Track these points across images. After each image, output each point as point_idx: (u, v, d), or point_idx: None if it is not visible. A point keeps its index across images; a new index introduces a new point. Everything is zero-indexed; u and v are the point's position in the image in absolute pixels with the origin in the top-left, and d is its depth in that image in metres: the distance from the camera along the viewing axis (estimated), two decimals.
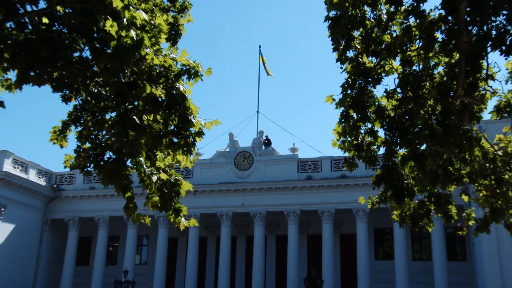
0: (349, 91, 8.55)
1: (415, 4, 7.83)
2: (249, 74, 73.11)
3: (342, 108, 8.74)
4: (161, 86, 6.90)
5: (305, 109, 73.05)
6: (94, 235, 35.72)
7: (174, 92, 6.92)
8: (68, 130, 7.66)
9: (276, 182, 31.49)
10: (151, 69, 6.77)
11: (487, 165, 9.57)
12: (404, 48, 8.39)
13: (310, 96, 72.51)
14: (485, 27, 7.50)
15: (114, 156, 7.22)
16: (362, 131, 9.12)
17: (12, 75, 6.81)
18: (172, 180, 7.83)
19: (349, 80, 8.55)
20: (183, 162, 7.98)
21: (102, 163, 7.32)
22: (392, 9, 8.15)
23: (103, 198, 33.97)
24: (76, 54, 6.57)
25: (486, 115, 15.72)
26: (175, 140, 7.28)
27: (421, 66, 8.65)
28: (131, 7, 6.10)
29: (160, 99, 6.82)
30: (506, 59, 7.46)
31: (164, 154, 7.83)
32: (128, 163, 7.45)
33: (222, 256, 31.19)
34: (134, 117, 6.73)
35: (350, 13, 8.10)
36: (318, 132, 71.67)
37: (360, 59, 8.49)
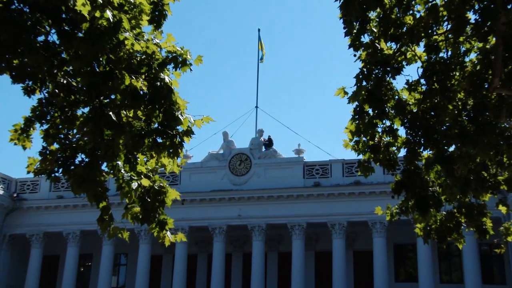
0: (364, 83, 8.61)
1: None
2: (246, 64, 73.29)
3: (356, 103, 8.81)
4: (143, 76, 6.94)
5: (312, 104, 73.25)
6: (62, 253, 35.63)
7: (158, 83, 6.95)
8: (31, 129, 7.63)
9: (279, 190, 31.51)
10: (131, 57, 6.79)
11: None
12: (430, 31, 8.41)
13: (317, 89, 72.74)
14: None
15: (86, 159, 7.23)
16: (379, 129, 9.18)
17: None
18: (155, 187, 7.86)
19: (364, 69, 8.61)
20: (169, 166, 8.02)
21: (72, 167, 7.29)
22: None
23: (73, 209, 33.92)
24: (41, 39, 6.56)
25: None
26: (159, 140, 7.31)
27: (449, 53, 8.68)
28: None
29: (141, 92, 6.86)
30: None
31: (147, 156, 7.86)
32: (104, 167, 7.47)
33: (214, 276, 31.15)
34: (111, 113, 6.74)
35: None
36: (328, 131, 71.76)
37: (377, 45, 8.53)
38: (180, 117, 7.16)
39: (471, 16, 8.16)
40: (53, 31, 6.57)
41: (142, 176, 7.75)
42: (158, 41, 7.17)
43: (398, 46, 8.59)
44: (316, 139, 72.52)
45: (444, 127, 8.74)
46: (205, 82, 74.99)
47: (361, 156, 9.44)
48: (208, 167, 33.33)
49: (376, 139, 9.22)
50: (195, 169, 33.36)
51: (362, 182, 30.10)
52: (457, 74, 8.69)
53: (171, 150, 7.30)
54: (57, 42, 6.57)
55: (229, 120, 77.91)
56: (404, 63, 8.80)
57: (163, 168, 8.11)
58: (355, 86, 8.63)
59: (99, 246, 33.91)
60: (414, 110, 9.01)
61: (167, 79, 7.01)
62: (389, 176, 29.04)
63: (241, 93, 73.60)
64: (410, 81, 9.04)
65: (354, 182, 30.72)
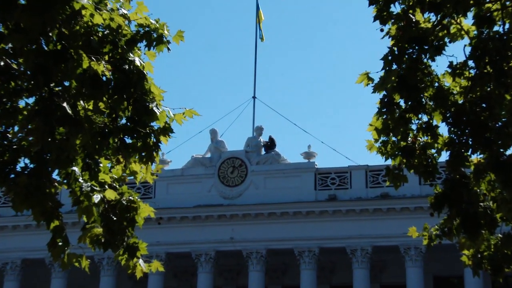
0: (394, 66, 8.59)
1: None
2: (241, 42, 73.29)
3: (384, 92, 8.80)
4: (106, 57, 6.95)
5: (326, 95, 73.37)
6: None
7: (126, 67, 6.97)
8: None
9: (283, 205, 31.54)
10: (90, 32, 6.79)
11: None
12: None
13: (332, 76, 72.88)
14: None
15: (32, 165, 7.17)
16: (414, 126, 9.18)
17: None
18: (123, 202, 7.91)
19: (395, 48, 8.59)
20: (141, 174, 8.08)
21: (12, 175, 7.20)
22: None
23: (13, 231, 33.81)
24: None
25: None
26: (128, 140, 7.36)
27: (506, 26, 8.67)
28: None
29: (104, 78, 6.87)
30: None
31: (112, 162, 7.90)
32: (55, 175, 7.44)
33: None
34: (64, 104, 6.69)
35: None
36: (346, 129, 71.97)
37: (411, 16, 8.53)
38: (155, 110, 7.19)
39: None
40: None
41: (106, 187, 7.76)
42: (125, 11, 7.18)
43: (438, 18, 8.58)
44: (331, 139, 72.84)
45: (499, 124, 8.75)
46: (189, 66, 75.08)
47: (390, 161, 9.43)
48: (191, 176, 33.34)
49: (409, 139, 9.19)
50: (174, 178, 33.40)
51: (391, 195, 30.14)
52: None
53: (143, 154, 7.35)
54: None
55: (219, 115, 78.01)
56: (446, 40, 8.79)
57: (133, 177, 8.18)
58: (383, 71, 8.61)
59: (47, 279, 33.84)
60: (460, 102, 9.02)
61: (137, 61, 7.04)
62: (427, 187, 28.82)
63: (234, 80, 73.75)
64: (455, 63, 9.04)
65: (380, 195, 30.78)
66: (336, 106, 73.42)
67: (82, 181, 7.58)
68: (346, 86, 78.54)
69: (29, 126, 6.91)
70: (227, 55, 75.34)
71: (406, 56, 8.59)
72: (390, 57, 8.58)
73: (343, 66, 72.50)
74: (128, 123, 7.27)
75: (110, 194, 7.68)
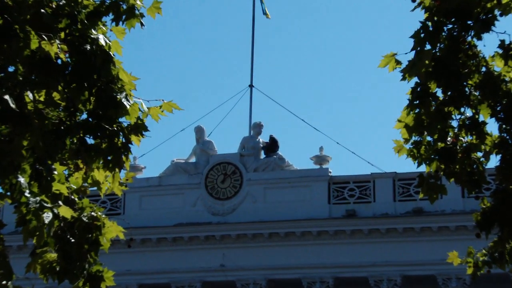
0: (428, 46, 8.60)
1: None
2: (236, 22, 73.19)
3: (416, 80, 8.80)
4: (62, 35, 6.94)
5: (340, 84, 73.30)
6: None
7: (88, 47, 6.96)
8: None
9: (287, 223, 31.60)
10: (41, 2, 6.78)
11: None
12: None
13: (347, 61, 72.81)
14: None
15: None
16: (455, 123, 9.18)
17: None
18: (84, 220, 7.88)
19: (429, 24, 8.59)
20: (106, 184, 8.08)
21: None
22: None
23: None
24: None
25: None
26: (90, 140, 7.37)
27: None
28: None
29: (59, 62, 6.86)
30: None
31: (69, 168, 7.90)
32: None
33: None
34: (7, 96, 6.68)
35: None
36: (367, 126, 71.90)
37: None
38: (125, 102, 7.22)
39: None
40: None
41: (61, 202, 7.65)
42: None
43: None
44: (349, 139, 72.68)
45: None
46: (171, 49, 75.03)
47: (424, 168, 9.43)
48: (171, 186, 33.37)
49: (449, 138, 9.18)
50: (149, 189, 33.44)
51: (425, 210, 30.23)
52: None
53: (109, 158, 7.36)
54: None
55: (205, 109, 77.95)
56: (497, 12, 8.79)
57: (96, 188, 8.17)
58: (414, 52, 8.62)
59: None
60: None
61: (102, 40, 7.06)
62: (471, 200, 28.78)
63: (226, 66, 73.67)
64: (507, 42, 9.04)
65: (412, 210, 30.82)
66: (354, 98, 73.47)
67: (29, 194, 7.44)
68: (366, 72, 78.60)
69: None
70: (216, 34, 75.41)
71: (445, 33, 8.61)
72: (423, 35, 8.57)
73: (360, 48, 72.59)
74: (90, 119, 7.28)
75: (67, 210, 7.54)
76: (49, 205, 7.61)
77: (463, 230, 29.10)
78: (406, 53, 8.77)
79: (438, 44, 8.60)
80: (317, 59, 73.65)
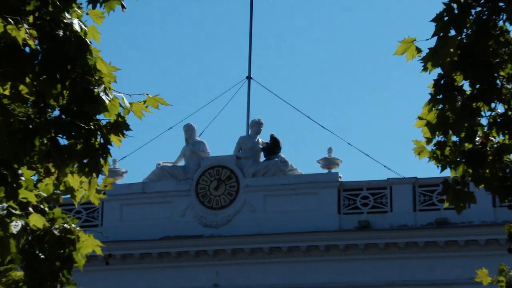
0: (452, 32, 8.52)
1: None
2: (232, 8, 73.34)
3: (438, 70, 8.72)
4: (30, 19, 6.91)
5: (350, 76, 73.47)
6: None
7: (61, 33, 6.93)
8: None
9: (291, 236, 31.96)
10: None
11: None
12: None
13: (357, 49, 72.97)
14: None
15: None
16: (484, 121, 9.11)
17: None
18: (55, 232, 7.83)
19: (453, 6, 8.53)
20: (82, 192, 8.01)
21: None
22: None
23: None
24: None
25: None
26: (63, 141, 7.35)
27: None
28: None
29: (27, 49, 6.80)
30: None
31: (39, 172, 7.90)
32: None
33: None
34: None
35: None
36: (381, 126, 72.06)
37: None
38: (103, 97, 7.18)
39: None
40: None
41: (30, 210, 7.63)
42: None
43: None
44: (361, 139, 72.86)
45: None
46: (157, 37, 75.18)
47: (448, 172, 9.36)
48: (156, 193, 33.59)
49: (478, 138, 9.15)
50: (131, 196, 33.66)
51: (451, 221, 30.40)
52: None
53: (85, 161, 7.30)
54: None
55: (197, 103, 78.03)
56: None
57: (69, 196, 8.07)
58: (435, 38, 8.55)
59: None
60: None
61: (76, 25, 7.02)
62: (504, 210, 28.89)
63: (221, 56, 73.85)
64: None
65: (435, 221, 30.97)
66: (367, 92, 73.66)
67: None
68: (380, 61, 78.77)
69: None
70: (209, 17, 75.55)
71: (472, 17, 8.56)
72: (446, 18, 8.50)
73: (373, 34, 72.79)
74: (63, 116, 7.26)
75: (36, 221, 7.54)
76: (17, 212, 7.60)
77: (494, 244, 29.17)
78: (427, 40, 8.69)
79: (465, 30, 8.58)
80: (325, 47, 73.87)
